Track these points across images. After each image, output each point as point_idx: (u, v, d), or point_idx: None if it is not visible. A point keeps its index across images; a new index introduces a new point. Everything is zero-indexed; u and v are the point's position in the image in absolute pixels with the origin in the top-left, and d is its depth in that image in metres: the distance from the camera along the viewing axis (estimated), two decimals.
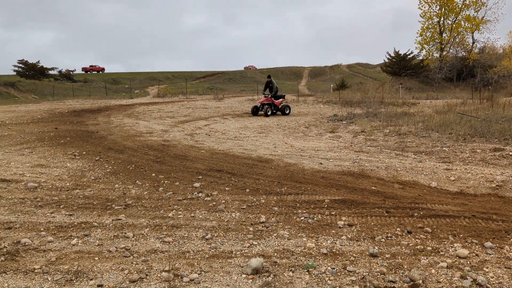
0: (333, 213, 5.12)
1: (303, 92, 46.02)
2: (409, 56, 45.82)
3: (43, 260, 3.77)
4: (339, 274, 3.45)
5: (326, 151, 9.63)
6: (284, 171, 7.49)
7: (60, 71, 56.33)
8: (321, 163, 8.15)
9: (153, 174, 7.29)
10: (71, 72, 58.73)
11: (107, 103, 28.61)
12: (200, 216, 5.05)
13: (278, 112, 19.88)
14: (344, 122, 15.60)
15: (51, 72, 53.25)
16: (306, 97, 33.16)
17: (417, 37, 46.98)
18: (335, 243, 4.16)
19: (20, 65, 50.56)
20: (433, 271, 3.47)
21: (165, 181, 6.83)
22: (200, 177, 7.07)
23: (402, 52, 46.13)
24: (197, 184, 6.56)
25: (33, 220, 4.89)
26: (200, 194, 6.04)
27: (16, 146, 10.20)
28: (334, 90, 42.01)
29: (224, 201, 5.70)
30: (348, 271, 3.49)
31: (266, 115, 18.96)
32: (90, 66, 77.35)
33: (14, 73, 50.96)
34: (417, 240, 4.22)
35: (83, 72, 74.09)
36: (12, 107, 23.25)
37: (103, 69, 79.08)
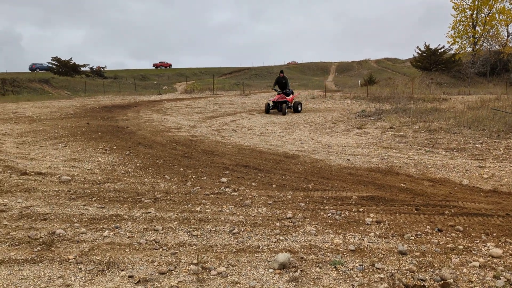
0: (360, 209, 5.08)
1: (330, 87, 45.57)
2: (440, 51, 44.62)
3: (77, 251, 3.90)
4: (367, 271, 3.42)
5: (353, 147, 9.52)
6: (311, 167, 7.46)
7: (91, 68, 57.77)
8: (348, 160, 8.07)
9: (181, 169, 7.40)
10: (102, 69, 60.11)
11: (136, 99, 29.15)
12: (227, 211, 5.10)
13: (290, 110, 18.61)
14: (372, 118, 15.37)
15: (83, 68, 54.66)
16: (333, 93, 32.82)
17: (449, 31, 45.71)
18: (363, 240, 4.12)
19: (54, 62, 52.11)
20: (464, 270, 3.39)
21: (193, 176, 6.92)
22: (227, 172, 7.13)
23: (432, 47, 44.99)
24: (224, 179, 6.62)
25: (67, 212, 5.06)
26: (227, 189, 6.09)
27: (51, 140, 10.55)
28: (361, 86, 41.41)
29: (250, 196, 5.73)
30: (376, 268, 3.46)
31: (284, 113, 17.52)
32: (160, 62, 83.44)
33: (48, 70, 52.57)
34: (448, 238, 4.13)
35: (154, 67, 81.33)
36: (47, 103, 24.02)
37: (170, 65, 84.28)
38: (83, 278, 3.35)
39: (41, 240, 4.13)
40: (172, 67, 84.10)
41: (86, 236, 4.27)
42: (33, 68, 63.64)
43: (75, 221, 4.73)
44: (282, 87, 18.57)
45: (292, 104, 18.60)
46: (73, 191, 5.96)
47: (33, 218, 4.82)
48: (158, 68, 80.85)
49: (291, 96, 18.71)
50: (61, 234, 4.29)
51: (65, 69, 51.71)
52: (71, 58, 53.06)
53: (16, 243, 4.06)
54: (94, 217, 4.85)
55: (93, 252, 3.87)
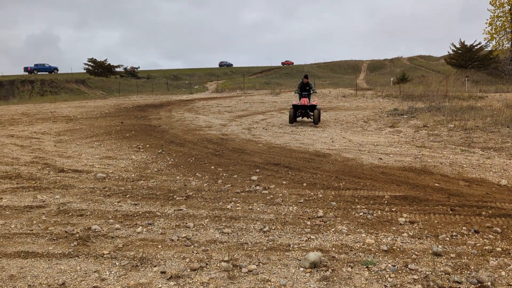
0: (393, 209, 4.98)
1: (361, 86, 44.89)
2: (476, 47, 43.11)
3: (111, 246, 4.00)
4: (400, 271, 3.35)
5: (386, 146, 9.34)
6: (342, 166, 7.37)
7: (125, 68, 59.22)
8: (380, 158, 7.93)
9: (212, 167, 7.47)
10: (136, 69, 61.48)
11: (169, 98, 29.65)
12: (258, 209, 5.11)
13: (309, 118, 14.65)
14: (405, 116, 15.03)
15: (117, 69, 56.12)
16: (364, 91, 32.30)
17: (486, 27, 44.09)
18: (396, 240, 4.04)
19: (90, 63, 53.79)
20: (503, 273, 3.27)
21: (224, 174, 6.97)
22: (258, 170, 7.14)
23: (468, 43, 43.52)
24: (254, 177, 6.63)
25: (102, 208, 5.20)
26: (257, 187, 6.10)
27: (87, 139, 10.89)
28: (394, 84, 40.56)
29: (281, 194, 5.72)
30: (409, 269, 3.38)
31: (316, 122, 13.74)
32: (286, 61, 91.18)
33: (84, 71, 54.29)
34: (485, 240, 3.99)
35: (281, 65, 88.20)
36: (83, 103, 24.79)
37: (292, 63, 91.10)
38: (117, 273, 3.44)
39: (77, 236, 4.27)
40: (206, 66, 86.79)
41: (120, 232, 4.38)
42: (28, 70, 53.71)
43: (110, 217, 4.86)
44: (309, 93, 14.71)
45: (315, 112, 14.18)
46: (108, 188, 6.13)
47: (70, 214, 4.99)
48: (285, 65, 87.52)
49: (315, 101, 15.09)
50: (96, 230, 4.42)
51: (100, 69, 53.25)
52: (106, 59, 54.66)
53: (54, 238, 4.21)
54: (128, 214, 4.97)
55: (127, 248, 3.96)
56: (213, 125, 13.79)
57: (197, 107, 21.70)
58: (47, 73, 54.44)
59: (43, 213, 4.98)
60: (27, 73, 52.09)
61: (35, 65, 55.56)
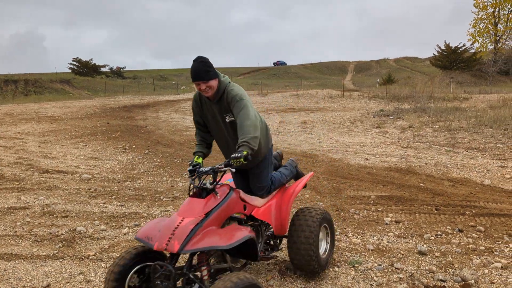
0: (379, 209, 5.02)
1: (348, 87, 45.20)
2: (460, 49, 43.80)
3: (97, 248, 3.96)
4: (386, 270, 3.38)
5: (372, 147, 9.43)
6: (329, 166, 7.41)
7: (111, 68, 58.60)
8: (367, 159, 8.00)
9: None
10: (121, 69, 60.92)
11: (155, 99, 29.43)
12: None
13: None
14: (391, 117, 15.19)
15: (102, 69, 55.51)
16: (351, 92, 32.54)
17: (469, 29, 44.84)
18: (382, 239, 4.08)
19: (75, 62, 53.09)
20: (486, 271, 3.32)
21: None
22: None
23: (453, 45, 44.18)
24: None
25: (88, 209, 5.14)
26: None
27: (72, 139, 10.75)
28: (380, 85, 40.95)
29: None
30: (395, 268, 3.42)
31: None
32: (278, 61, 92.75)
33: (69, 70, 53.57)
34: (469, 239, 4.05)
35: (274, 65, 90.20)
36: (68, 103, 24.46)
37: (285, 63, 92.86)
38: (103, 275, 3.40)
39: (62, 237, 4.21)
40: (189, 67, 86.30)
41: (106, 234, 4.34)
42: None
43: (95, 218, 4.81)
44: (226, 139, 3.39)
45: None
46: (93, 189, 6.06)
47: (54, 215, 4.92)
48: (277, 65, 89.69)
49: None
50: (81, 231, 4.37)
51: (85, 69, 52.60)
52: (91, 59, 53.97)
53: (38, 240, 4.15)
54: (114, 215, 4.93)
55: (113, 249, 3.93)
56: None
57: (184, 107, 21.59)
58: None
59: (27, 215, 4.90)
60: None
61: None
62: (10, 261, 3.66)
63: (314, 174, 6.78)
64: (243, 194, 2.94)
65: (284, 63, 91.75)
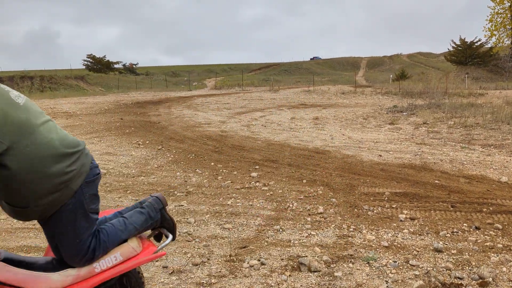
0: (393, 206, 4.99)
1: (360, 83, 44.88)
2: (476, 44, 43.18)
3: None
4: (401, 267, 3.36)
5: (385, 143, 9.35)
6: (342, 163, 7.38)
7: (124, 65, 59.13)
8: (380, 155, 7.94)
9: (212, 163, 7.47)
10: (134, 66, 61.39)
11: (167, 95, 29.61)
12: (258, 205, 5.12)
13: None
14: (404, 113, 15.05)
15: (116, 66, 56.03)
16: (363, 88, 32.31)
17: (486, 23, 44.09)
18: (397, 236, 4.05)
19: (89, 59, 53.73)
20: (504, 269, 3.28)
21: (224, 170, 6.98)
22: (257, 167, 7.15)
23: (468, 40, 43.59)
24: (254, 174, 6.64)
25: (104, 203, 5.20)
26: (257, 184, 6.11)
27: (87, 135, 10.87)
28: (393, 81, 40.59)
29: (281, 191, 5.73)
30: (410, 265, 3.40)
31: None
32: (314, 57, 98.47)
33: (84, 67, 54.18)
34: (486, 236, 4.00)
35: (311, 60, 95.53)
36: (82, 99, 24.74)
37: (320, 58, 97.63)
38: None
39: None
40: (203, 63, 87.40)
41: None
42: None
43: None
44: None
45: None
46: (108, 184, 6.13)
47: None
48: (313, 59, 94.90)
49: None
50: None
51: (99, 66, 53.15)
52: (105, 56, 54.58)
53: None
54: None
55: None
56: (212, 122, 13.79)
57: (196, 104, 21.68)
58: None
59: None
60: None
61: None
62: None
63: (327, 171, 6.77)
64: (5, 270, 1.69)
65: (320, 58, 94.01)
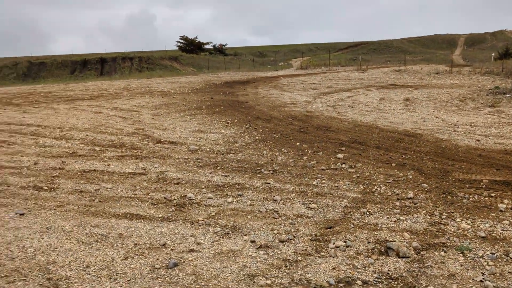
0: (492, 194, 4.65)
1: (457, 62, 41.59)
2: None
3: (205, 214, 4.28)
4: (499, 260, 3.16)
5: (484, 127, 8.66)
6: (434, 147, 7.00)
7: (214, 46, 61.04)
8: (478, 140, 7.39)
9: (297, 143, 7.53)
10: (223, 46, 63.08)
11: (254, 75, 30.06)
12: (344, 187, 5.09)
13: None
14: (507, 95, 13.71)
15: (206, 46, 58.10)
16: (460, 68, 29.90)
17: None
18: (495, 227, 3.80)
19: (182, 40, 56.30)
20: None
21: (309, 151, 7.00)
22: (343, 148, 7.06)
23: None
24: (340, 155, 6.58)
25: (196, 178, 5.54)
26: (343, 165, 6.06)
27: (180, 113, 11.53)
28: (495, 60, 36.95)
29: (368, 173, 5.62)
30: (511, 258, 3.18)
31: None
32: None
33: (177, 48, 56.97)
34: None
35: None
36: (176, 79, 26.14)
37: None
38: (211, 239, 3.68)
39: (175, 202, 4.62)
40: (290, 43, 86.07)
41: (213, 201, 4.66)
42: None
43: (203, 186, 5.17)
44: None
45: None
46: (200, 160, 6.49)
47: (167, 181, 5.39)
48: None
49: None
50: (191, 198, 4.74)
51: (191, 47, 55.50)
52: (196, 37, 56.75)
53: (155, 203, 4.60)
54: (219, 184, 5.25)
55: (219, 216, 4.21)
56: (298, 102, 13.78)
57: (282, 84, 21.75)
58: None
59: (145, 180, 5.45)
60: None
61: None
62: (132, 220, 4.13)
63: (418, 155, 6.47)
64: None
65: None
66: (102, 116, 10.85)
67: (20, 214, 4.24)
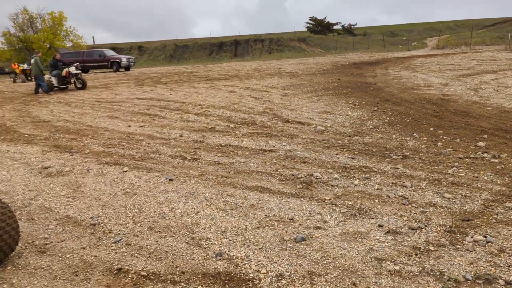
0: None
1: None
2: None
3: (331, 194, 4.34)
4: None
5: None
6: None
7: (343, 26, 59.66)
8: None
9: (431, 129, 7.07)
10: (352, 26, 61.24)
11: (384, 55, 28.69)
12: (485, 178, 4.66)
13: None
14: None
15: (335, 27, 57.11)
16: None
17: None
18: None
19: (311, 21, 56.23)
20: None
21: (444, 137, 6.53)
22: (485, 136, 6.43)
23: None
24: (481, 144, 6.01)
25: (322, 158, 5.62)
26: (485, 155, 5.53)
27: (307, 94, 11.66)
28: None
29: None
30: None
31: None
32: None
33: (306, 29, 57.15)
34: None
35: None
36: (303, 60, 26.35)
37: None
38: (337, 218, 3.74)
39: (302, 179, 4.76)
40: (425, 21, 79.09)
41: (339, 182, 4.68)
42: None
43: (329, 167, 5.22)
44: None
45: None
46: (326, 141, 6.54)
47: (295, 160, 5.57)
48: None
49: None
50: (317, 177, 4.83)
51: (319, 28, 55.13)
52: (325, 17, 56.12)
53: (283, 179, 4.81)
54: (345, 166, 5.24)
55: (345, 197, 4.23)
56: (432, 84, 12.80)
57: (414, 64, 20.37)
58: None
59: (274, 157, 5.71)
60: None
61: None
62: (263, 193, 4.39)
63: None
64: None
65: None
66: (236, 95, 11.53)
67: (169, 180, 4.82)
